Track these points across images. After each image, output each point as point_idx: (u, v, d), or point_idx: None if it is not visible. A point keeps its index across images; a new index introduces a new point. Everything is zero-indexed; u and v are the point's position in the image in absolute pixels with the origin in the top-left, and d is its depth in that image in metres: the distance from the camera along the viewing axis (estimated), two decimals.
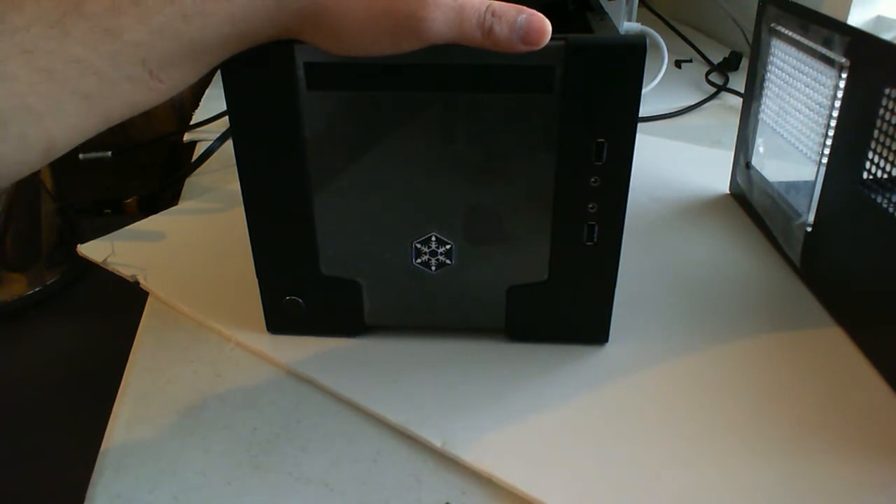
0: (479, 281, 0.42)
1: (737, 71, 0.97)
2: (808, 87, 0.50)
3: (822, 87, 0.48)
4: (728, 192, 0.64)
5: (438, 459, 0.37)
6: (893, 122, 0.40)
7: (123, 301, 0.51)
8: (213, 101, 0.86)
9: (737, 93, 0.89)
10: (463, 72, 0.36)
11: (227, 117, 0.49)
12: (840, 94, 0.45)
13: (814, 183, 0.48)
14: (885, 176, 0.41)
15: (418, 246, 0.41)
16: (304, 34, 0.34)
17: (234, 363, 0.44)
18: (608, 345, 0.45)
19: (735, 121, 0.62)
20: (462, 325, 0.45)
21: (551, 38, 0.34)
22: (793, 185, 0.54)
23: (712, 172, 0.67)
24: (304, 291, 0.44)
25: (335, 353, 0.44)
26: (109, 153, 0.80)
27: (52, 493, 0.44)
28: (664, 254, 0.55)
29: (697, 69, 0.99)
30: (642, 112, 0.40)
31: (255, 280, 0.43)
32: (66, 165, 0.76)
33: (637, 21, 0.90)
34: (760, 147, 0.58)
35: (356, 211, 0.40)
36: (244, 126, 0.39)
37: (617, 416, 0.40)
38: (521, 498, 0.35)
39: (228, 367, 0.43)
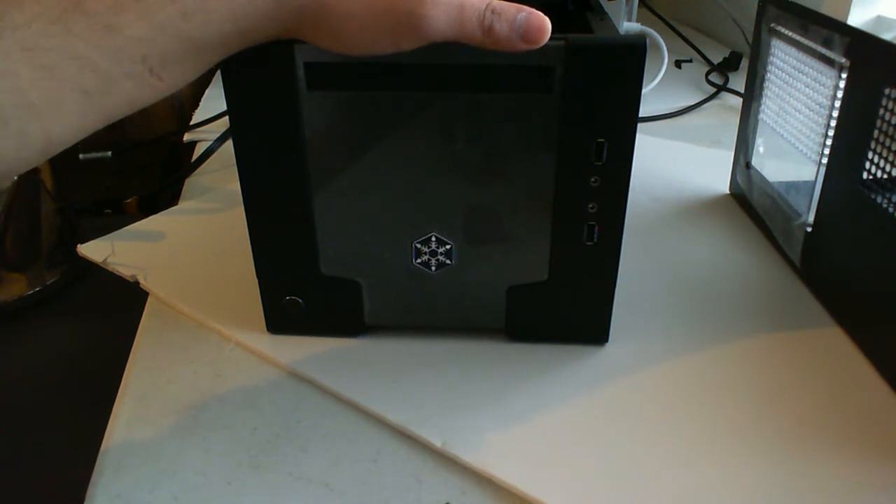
0: (479, 281, 0.42)
1: (737, 71, 0.97)
2: (808, 87, 0.50)
3: (822, 87, 0.48)
4: (728, 192, 0.64)
5: (438, 459, 0.37)
6: (893, 122, 0.40)
7: (123, 301, 0.51)
8: (213, 101, 0.86)
9: (737, 93, 0.89)
10: (463, 72, 0.36)
11: (227, 117, 0.49)
12: (840, 94, 0.45)
13: (814, 183, 0.48)
14: (885, 176, 0.41)
15: (418, 246, 0.41)
16: (303, 33, 0.34)
17: (234, 363, 0.44)
18: (608, 345, 0.45)
19: (735, 121, 0.62)
20: (462, 325, 0.45)
21: (551, 38, 0.34)
22: (793, 185, 0.54)
23: (712, 172, 0.67)
24: (304, 291, 0.44)
25: (335, 353, 0.44)
26: (109, 153, 0.80)
27: (52, 493, 0.44)
28: (664, 254, 0.55)
29: (697, 69, 0.99)
30: (642, 112, 0.40)
31: (255, 280, 0.43)
32: (66, 165, 0.76)
33: (637, 21, 0.90)
34: (760, 147, 0.58)
35: (356, 211, 0.40)
36: (244, 126, 0.39)
37: (617, 416, 0.40)
38: (521, 498, 0.35)
39: (228, 367, 0.43)
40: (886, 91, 0.40)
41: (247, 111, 0.38)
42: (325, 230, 0.41)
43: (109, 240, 0.56)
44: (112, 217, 0.73)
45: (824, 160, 0.47)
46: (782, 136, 0.54)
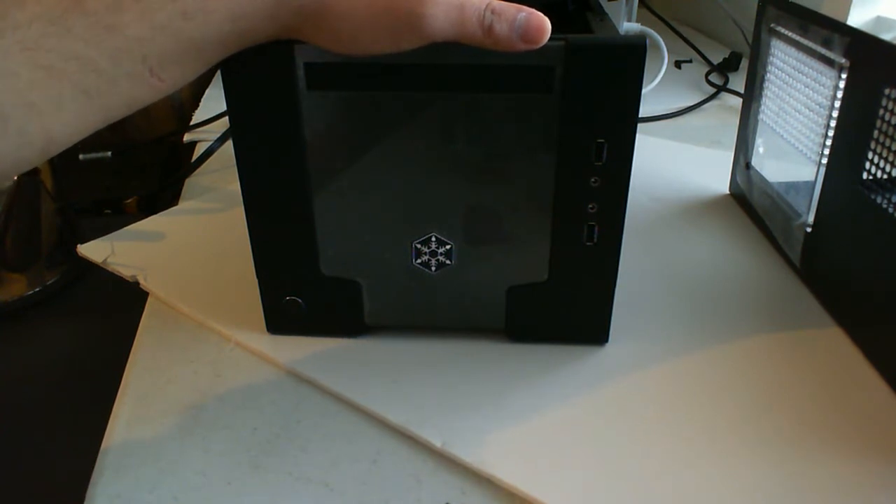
0: (479, 281, 0.42)
1: (737, 71, 0.97)
2: (807, 87, 0.50)
3: (821, 87, 0.48)
4: (728, 192, 0.64)
5: (438, 459, 0.37)
6: (893, 122, 0.40)
7: (123, 301, 0.51)
8: (213, 101, 0.86)
9: (737, 93, 0.89)
10: (463, 72, 0.36)
11: (227, 117, 0.49)
12: (840, 94, 0.45)
13: (814, 183, 0.48)
14: (885, 176, 0.41)
15: (418, 246, 0.41)
16: (303, 33, 0.34)
17: (234, 363, 0.44)
18: (608, 345, 0.45)
19: (735, 121, 0.62)
20: (462, 326, 0.45)
21: (551, 38, 0.34)
22: (793, 186, 0.54)
23: (712, 172, 0.67)
24: (304, 291, 0.44)
25: (335, 353, 0.44)
26: (109, 153, 0.80)
27: (52, 493, 0.44)
28: (664, 254, 0.55)
29: (697, 69, 0.99)
30: (642, 112, 0.40)
31: (255, 280, 0.43)
32: (66, 165, 0.76)
33: (637, 21, 0.90)
34: (760, 147, 0.58)
35: (356, 211, 0.40)
36: (244, 126, 0.39)
37: (617, 416, 0.40)
38: (521, 498, 0.35)
39: (228, 367, 0.43)
40: (886, 91, 0.40)
41: (247, 111, 0.38)
42: (325, 230, 0.41)
43: (109, 240, 0.56)
44: (112, 217, 0.73)
45: (824, 160, 0.47)
46: (782, 136, 0.54)
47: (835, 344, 0.45)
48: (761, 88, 0.57)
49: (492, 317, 0.44)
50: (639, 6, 1.01)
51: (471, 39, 0.33)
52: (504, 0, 0.33)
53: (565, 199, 0.39)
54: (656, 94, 0.87)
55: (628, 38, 0.35)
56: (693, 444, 0.38)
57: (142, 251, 0.55)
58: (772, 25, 0.54)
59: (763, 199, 0.57)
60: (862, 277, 0.44)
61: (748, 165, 0.59)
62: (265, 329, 0.45)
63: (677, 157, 0.72)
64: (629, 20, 0.88)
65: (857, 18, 0.84)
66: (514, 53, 0.34)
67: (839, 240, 0.46)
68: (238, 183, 0.40)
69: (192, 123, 0.80)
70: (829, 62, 0.46)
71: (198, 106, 0.85)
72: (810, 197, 0.49)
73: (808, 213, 0.50)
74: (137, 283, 0.51)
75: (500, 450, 0.37)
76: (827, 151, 0.47)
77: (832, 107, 0.46)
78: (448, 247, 0.41)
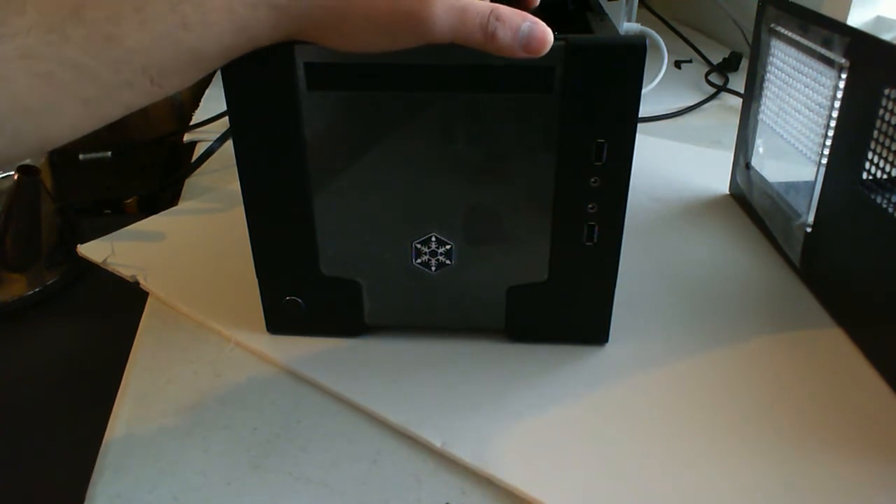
0: (479, 281, 0.42)
1: (737, 71, 0.97)
2: (807, 87, 0.50)
3: (821, 87, 0.48)
4: (728, 192, 0.64)
5: (438, 459, 0.37)
6: (893, 122, 0.40)
7: (123, 301, 0.51)
8: (213, 101, 0.86)
9: (737, 93, 0.89)
10: (463, 72, 0.36)
11: (227, 117, 0.49)
12: (840, 94, 0.45)
13: (814, 183, 0.48)
14: (885, 176, 0.41)
15: (418, 246, 0.41)
16: (305, 36, 0.34)
17: (234, 363, 0.44)
18: (608, 345, 0.45)
19: (735, 121, 0.62)
20: (462, 326, 0.45)
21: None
22: (793, 186, 0.54)
23: (712, 172, 0.67)
24: (304, 291, 0.44)
25: (335, 353, 0.44)
26: (109, 153, 0.80)
27: (52, 493, 0.44)
28: (664, 254, 0.55)
29: (697, 69, 0.99)
30: (642, 112, 0.40)
31: (255, 280, 0.43)
32: (66, 165, 0.76)
33: (637, 21, 0.90)
34: (760, 147, 0.58)
35: (356, 211, 0.40)
36: (244, 126, 0.39)
37: (617, 415, 0.40)
38: (521, 498, 0.35)
39: (228, 367, 0.43)
40: (886, 91, 0.40)
41: (247, 111, 0.38)
42: (325, 230, 0.41)
43: (109, 240, 0.56)
44: (112, 217, 0.73)
45: (824, 160, 0.47)
46: (782, 136, 0.54)
47: (835, 344, 0.45)
48: (761, 88, 0.57)
49: (492, 317, 0.44)
50: (639, 6, 1.01)
51: (471, 43, 0.33)
52: (506, 5, 0.33)
53: (565, 199, 0.39)
54: (656, 94, 0.87)
55: (628, 38, 0.35)
56: (693, 443, 0.38)
57: (142, 251, 0.55)
58: (772, 25, 0.54)
59: (763, 199, 0.57)
60: (862, 277, 0.44)
61: (748, 165, 0.59)
62: (265, 329, 0.45)
63: (677, 157, 0.72)
64: (629, 20, 0.88)
65: (857, 18, 0.84)
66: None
67: (839, 240, 0.46)
68: (238, 183, 0.40)
69: (192, 123, 0.80)
70: (829, 62, 0.46)
71: (198, 106, 0.85)
72: (810, 197, 0.49)
73: (808, 213, 0.50)
74: (137, 283, 0.51)
75: (500, 450, 0.37)
76: (827, 151, 0.47)
77: (832, 107, 0.46)
78: (448, 247, 0.41)
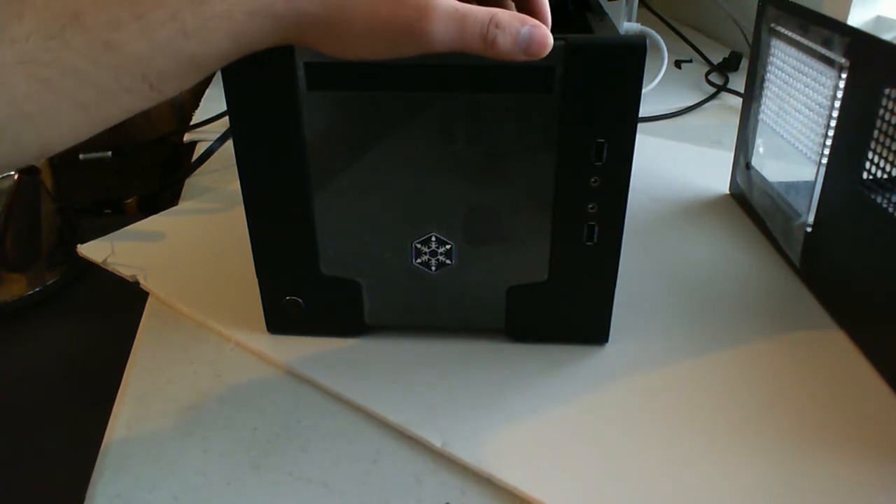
0: (479, 281, 0.42)
1: (737, 71, 0.97)
2: (807, 87, 0.50)
3: (821, 87, 0.48)
4: (728, 192, 0.64)
5: (438, 459, 0.37)
6: (893, 122, 0.40)
7: (123, 301, 0.51)
8: (213, 101, 0.87)
9: (737, 93, 0.89)
10: (463, 72, 0.36)
11: (227, 117, 0.49)
12: (840, 94, 0.45)
13: (814, 183, 0.48)
14: (885, 176, 0.41)
15: (418, 246, 0.41)
16: (303, 42, 0.34)
17: (234, 363, 0.44)
18: (608, 345, 0.45)
19: (735, 121, 0.62)
20: (462, 326, 0.45)
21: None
22: (793, 186, 0.54)
23: (712, 172, 0.67)
24: (304, 291, 0.44)
25: (335, 353, 0.44)
26: (109, 153, 0.80)
27: (52, 493, 0.44)
28: (664, 254, 0.55)
29: (697, 69, 0.99)
30: (642, 112, 0.40)
31: (255, 280, 0.43)
32: (66, 165, 0.76)
33: (637, 21, 0.90)
34: (760, 147, 0.58)
35: (356, 211, 0.40)
36: (244, 126, 0.39)
37: (617, 415, 0.40)
38: (521, 498, 0.35)
39: (228, 367, 0.43)
40: (886, 91, 0.40)
41: (247, 111, 0.38)
42: (325, 230, 0.41)
43: (109, 240, 0.56)
44: (112, 217, 0.73)
45: (824, 160, 0.47)
46: (782, 136, 0.54)
47: (835, 344, 0.45)
48: (761, 88, 0.57)
49: (492, 317, 0.44)
50: (639, 6, 1.01)
51: (471, 51, 0.33)
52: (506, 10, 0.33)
53: (565, 199, 0.39)
54: (656, 94, 0.87)
55: (628, 38, 0.35)
56: (693, 443, 0.38)
57: (142, 251, 0.55)
58: (772, 25, 0.54)
59: (763, 199, 0.57)
60: (862, 277, 0.44)
61: (748, 165, 0.59)
62: (265, 329, 0.45)
63: (677, 157, 0.72)
64: (629, 20, 0.88)
65: (857, 18, 0.84)
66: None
67: (839, 240, 0.46)
68: (238, 183, 0.40)
69: (192, 123, 0.80)
70: (829, 62, 0.46)
71: (198, 106, 0.85)
72: (810, 197, 0.49)
73: (808, 213, 0.50)
74: (137, 283, 0.51)
75: (500, 450, 0.37)
76: (827, 151, 0.47)
77: (832, 107, 0.46)
78: (448, 247, 0.41)
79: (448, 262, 0.42)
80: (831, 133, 0.47)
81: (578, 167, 0.38)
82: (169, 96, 0.32)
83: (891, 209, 0.40)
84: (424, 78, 0.36)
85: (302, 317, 0.44)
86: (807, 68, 0.50)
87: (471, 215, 0.40)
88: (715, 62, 0.99)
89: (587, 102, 0.36)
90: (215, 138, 0.73)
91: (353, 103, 0.37)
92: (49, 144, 0.31)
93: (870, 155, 0.42)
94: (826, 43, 0.46)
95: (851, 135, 0.44)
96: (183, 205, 0.64)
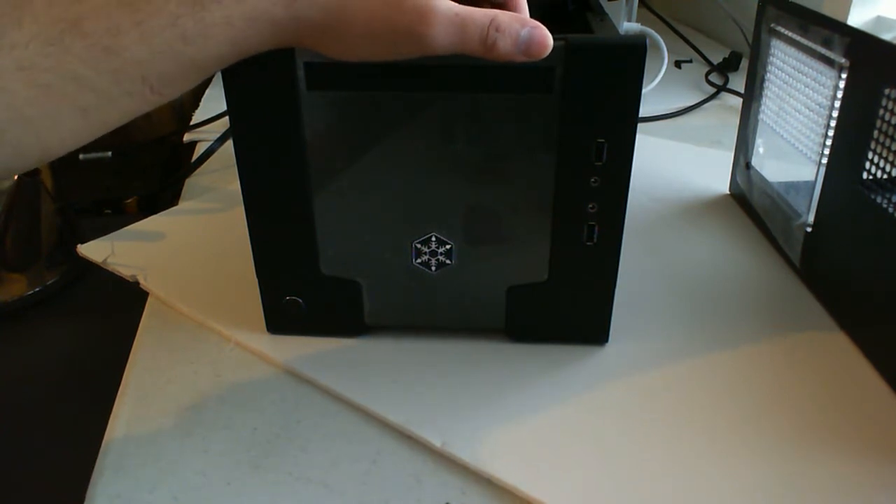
0: (479, 281, 0.42)
1: (737, 71, 0.97)
2: (807, 87, 0.50)
3: (821, 87, 0.48)
4: (728, 192, 0.64)
5: (438, 459, 0.37)
6: (893, 122, 0.40)
7: (123, 301, 0.51)
8: (213, 101, 0.86)
9: (737, 93, 0.89)
10: (463, 72, 0.36)
11: (227, 117, 0.49)
12: (840, 94, 0.45)
13: (814, 183, 0.48)
14: (885, 176, 0.41)
15: (418, 246, 0.41)
16: (304, 45, 0.34)
17: (234, 363, 0.44)
18: (608, 345, 0.45)
19: (735, 121, 0.62)
20: (462, 326, 0.45)
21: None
22: (793, 186, 0.54)
23: (712, 172, 0.67)
24: (304, 291, 0.44)
25: (335, 353, 0.44)
26: (109, 153, 0.80)
27: (52, 493, 0.44)
28: (664, 254, 0.55)
29: (697, 69, 0.99)
30: (642, 112, 0.40)
31: (255, 280, 0.43)
32: (66, 165, 0.76)
33: (637, 21, 0.90)
34: (760, 147, 0.58)
35: (356, 211, 0.40)
36: (244, 126, 0.39)
37: (617, 416, 0.40)
38: (521, 498, 0.35)
39: (228, 367, 0.43)
40: (886, 91, 0.40)
41: (247, 111, 0.38)
42: (325, 230, 0.41)
43: (109, 240, 0.56)
44: (112, 217, 0.73)
45: (824, 160, 0.47)
46: (782, 136, 0.54)
47: (835, 344, 0.45)
48: (761, 88, 0.57)
49: (492, 317, 0.44)
50: (639, 6, 1.01)
51: (471, 54, 0.33)
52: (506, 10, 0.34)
53: (565, 199, 0.39)
54: (656, 94, 0.87)
55: (628, 38, 0.35)
56: (693, 443, 0.38)
57: (142, 251, 0.55)
58: (772, 25, 0.54)
59: (763, 199, 0.57)
60: (862, 277, 0.44)
61: (748, 165, 0.59)
62: (265, 329, 0.45)
63: (677, 157, 0.72)
64: (629, 20, 0.88)
65: (857, 18, 0.84)
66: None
67: (839, 240, 0.46)
68: (238, 183, 0.40)
69: (192, 123, 0.80)
70: (829, 62, 0.46)
71: (198, 106, 0.85)
72: (810, 197, 0.49)
73: (808, 213, 0.50)
74: (137, 283, 0.51)
75: (500, 450, 0.37)
76: (827, 151, 0.47)
77: (832, 107, 0.46)
78: (448, 247, 0.41)
79: (448, 262, 0.42)
80: (831, 133, 0.47)
81: (578, 167, 0.38)
82: (170, 98, 0.33)
83: (891, 209, 0.40)
84: (424, 78, 0.36)
85: (302, 317, 0.44)
86: (807, 68, 0.50)
87: (471, 215, 0.40)
88: (715, 62, 0.99)
89: (587, 102, 0.36)
90: (215, 138, 0.73)
91: (353, 103, 0.37)
92: (49, 149, 0.31)
93: (870, 155, 0.42)
94: (826, 43, 0.46)
95: (851, 135, 0.44)
96: (183, 205, 0.64)
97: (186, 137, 0.78)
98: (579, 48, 0.35)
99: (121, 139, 0.81)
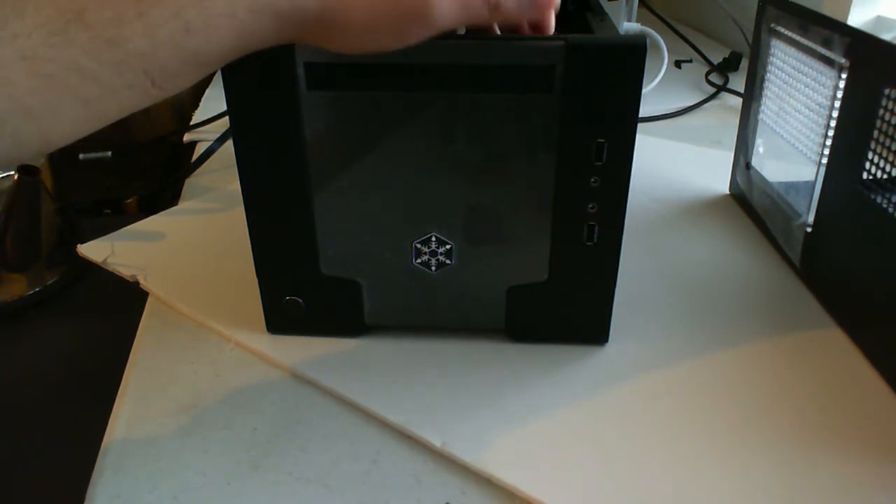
0: (479, 281, 0.42)
1: (737, 71, 0.97)
2: (807, 87, 0.50)
3: (821, 87, 0.48)
4: (728, 192, 0.64)
5: (438, 459, 0.37)
6: (893, 122, 0.40)
7: (123, 301, 0.51)
8: (213, 101, 0.86)
9: (737, 93, 0.89)
10: (463, 72, 0.36)
11: (227, 117, 0.49)
12: (840, 94, 0.45)
13: (814, 183, 0.48)
14: (885, 176, 0.41)
15: (418, 246, 0.41)
16: (309, 39, 0.34)
17: (234, 363, 0.44)
18: (608, 345, 0.45)
19: (735, 121, 0.62)
20: (462, 326, 0.45)
21: (551, 38, 0.34)
22: (793, 186, 0.54)
23: (712, 172, 0.67)
24: (304, 291, 0.44)
25: (335, 354, 0.44)
26: (109, 153, 0.80)
27: (52, 493, 0.44)
28: (664, 254, 0.55)
29: (697, 69, 0.99)
30: (642, 112, 0.40)
31: (255, 280, 0.43)
32: (66, 165, 0.76)
33: (637, 21, 0.90)
34: (760, 147, 0.58)
35: (356, 211, 0.40)
36: (244, 126, 0.39)
37: (617, 416, 0.40)
38: (521, 498, 0.35)
39: (228, 367, 0.43)
40: (886, 91, 0.40)
41: (247, 111, 0.38)
42: (325, 230, 0.41)
43: (109, 240, 0.56)
44: (112, 217, 0.73)
45: (824, 160, 0.47)
46: (782, 136, 0.54)
47: (835, 344, 0.45)
48: (761, 88, 0.57)
49: (492, 317, 0.44)
50: (639, 6, 1.01)
51: (478, 21, 0.33)
52: None
53: (565, 199, 0.39)
54: (656, 94, 0.87)
55: (628, 37, 0.35)
56: (693, 443, 0.38)
57: (142, 251, 0.55)
58: (772, 25, 0.54)
59: (763, 199, 0.57)
60: (862, 277, 0.44)
61: (748, 165, 0.59)
62: (265, 329, 0.45)
63: (677, 157, 0.72)
64: (629, 20, 0.88)
65: (857, 18, 0.84)
66: (514, 53, 0.34)
67: (839, 240, 0.46)
68: (238, 183, 0.40)
69: (192, 123, 0.80)
70: (829, 62, 0.46)
71: (198, 106, 0.85)
72: (810, 197, 0.49)
73: (808, 213, 0.50)
74: (137, 283, 0.51)
75: (499, 450, 0.37)
76: (827, 151, 0.47)
77: (832, 107, 0.46)
78: (448, 247, 0.41)
79: (448, 262, 0.42)
80: (831, 133, 0.47)
81: (578, 167, 0.38)
82: (171, 93, 0.32)
83: (891, 209, 0.40)
84: (424, 78, 0.36)
85: (302, 317, 0.44)
86: (807, 68, 0.50)
87: (471, 215, 0.40)
88: (715, 62, 0.99)
89: (587, 102, 0.36)
90: (215, 138, 0.73)
91: (353, 103, 0.37)
92: (50, 139, 0.31)
93: (870, 155, 0.42)
94: (826, 43, 0.46)
95: (851, 135, 0.44)
96: (183, 205, 0.64)
97: (186, 137, 0.78)
98: (579, 48, 0.35)
99: (121, 139, 0.81)
